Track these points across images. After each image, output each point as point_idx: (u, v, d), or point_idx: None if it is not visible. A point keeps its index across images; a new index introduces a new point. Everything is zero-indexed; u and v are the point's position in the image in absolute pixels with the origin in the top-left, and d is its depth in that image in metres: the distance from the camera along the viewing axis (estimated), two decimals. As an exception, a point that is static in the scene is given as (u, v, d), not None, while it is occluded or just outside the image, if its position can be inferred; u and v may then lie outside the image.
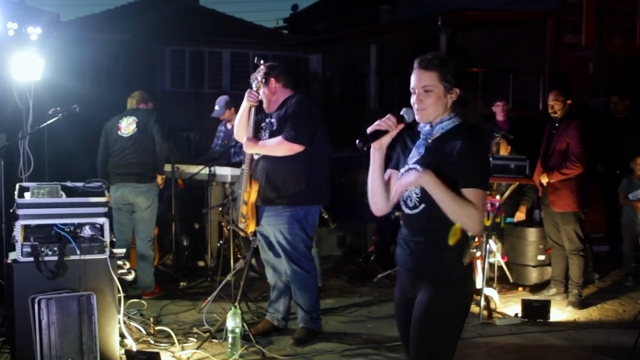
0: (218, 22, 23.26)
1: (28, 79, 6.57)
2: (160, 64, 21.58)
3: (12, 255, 4.79)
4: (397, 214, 8.30)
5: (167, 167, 7.17)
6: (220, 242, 7.42)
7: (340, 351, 5.30)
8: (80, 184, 5.13)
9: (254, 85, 5.31)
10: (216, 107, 7.91)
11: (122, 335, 5.08)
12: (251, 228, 5.42)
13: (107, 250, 4.87)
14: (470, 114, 2.99)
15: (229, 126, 7.99)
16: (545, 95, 19.54)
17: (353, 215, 8.96)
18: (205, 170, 7.11)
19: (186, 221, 8.20)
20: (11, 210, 4.88)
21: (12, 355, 4.81)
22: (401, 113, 2.97)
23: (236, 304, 5.24)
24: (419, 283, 3.01)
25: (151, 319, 5.69)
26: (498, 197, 6.68)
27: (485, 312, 6.14)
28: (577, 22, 21.03)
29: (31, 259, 4.68)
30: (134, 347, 5.09)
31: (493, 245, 6.76)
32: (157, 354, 4.87)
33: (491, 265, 6.83)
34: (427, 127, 3.02)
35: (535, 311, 6.10)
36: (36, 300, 4.54)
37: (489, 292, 6.33)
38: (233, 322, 5.09)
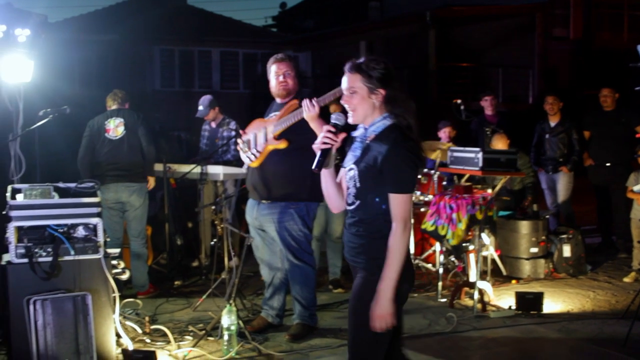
0: (207, 22, 23.27)
1: (17, 81, 6.55)
2: (150, 64, 21.56)
3: (6, 257, 4.78)
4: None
5: (159, 167, 7.17)
6: (214, 240, 7.43)
7: (335, 346, 5.31)
8: (72, 185, 5.12)
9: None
10: (200, 107, 7.94)
11: (118, 335, 5.07)
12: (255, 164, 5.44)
13: (101, 250, 4.87)
14: (402, 114, 3.15)
15: (213, 125, 8.02)
16: (534, 89, 19.66)
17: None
18: (197, 169, 7.11)
19: (179, 220, 8.20)
20: (3, 212, 4.87)
21: (8, 357, 4.81)
22: (333, 121, 3.18)
23: (231, 301, 5.25)
24: (359, 271, 3.23)
25: (147, 318, 5.69)
26: (490, 190, 6.71)
27: (479, 305, 6.17)
28: (565, 15, 21.12)
29: (25, 260, 4.67)
30: (130, 346, 5.09)
31: (486, 238, 6.80)
32: (154, 352, 4.88)
33: (484, 258, 6.87)
34: (362, 130, 3.22)
35: (529, 303, 6.14)
36: (31, 301, 4.53)
37: (483, 285, 6.36)
38: (228, 319, 5.10)
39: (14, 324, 4.62)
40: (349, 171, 3.20)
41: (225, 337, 5.11)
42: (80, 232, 4.86)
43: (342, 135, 3.16)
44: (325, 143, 3.14)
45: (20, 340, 4.57)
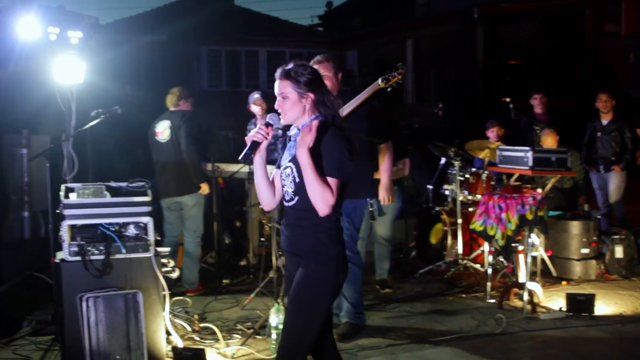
0: (253, 22, 23.38)
1: (70, 82, 6.69)
2: (198, 64, 21.77)
3: (60, 255, 4.88)
4: (437, 209, 8.31)
5: (207, 167, 7.23)
6: (262, 239, 7.47)
7: (384, 346, 5.30)
8: (124, 184, 5.19)
9: None
10: (255, 95, 7.86)
11: (167, 332, 5.14)
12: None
13: (152, 248, 4.94)
14: (331, 115, 3.37)
15: (258, 123, 8.02)
16: (585, 87, 19.30)
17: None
18: (245, 168, 7.16)
19: (227, 219, 8.26)
20: (57, 211, 4.96)
21: (62, 353, 4.91)
22: (267, 120, 3.44)
23: (279, 300, 5.27)
24: (298, 263, 3.39)
25: (195, 316, 5.76)
26: (540, 190, 6.61)
27: (528, 307, 6.09)
28: (616, 11, 20.71)
29: (78, 258, 4.76)
30: (179, 343, 5.15)
31: (536, 239, 6.70)
32: (203, 350, 4.92)
33: (534, 259, 6.77)
34: (295, 130, 3.43)
35: (580, 305, 6.03)
36: (84, 299, 4.62)
37: (532, 286, 6.28)
38: (276, 318, 5.12)
39: (68, 320, 4.72)
40: (285, 169, 3.42)
41: (273, 336, 5.13)
42: (132, 230, 4.94)
43: (270, 130, 3.40)
44: (256, 136, 3.38)
45: (74, 337, 4.67)
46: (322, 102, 3.36)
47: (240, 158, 3.42)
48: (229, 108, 19.00)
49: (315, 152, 3.25)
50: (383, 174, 5.75)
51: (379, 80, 5.42)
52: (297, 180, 3.34)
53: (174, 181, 6.83)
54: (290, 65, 3.40)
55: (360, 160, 5.38)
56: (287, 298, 3.55)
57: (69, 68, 6.55)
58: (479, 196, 7.16)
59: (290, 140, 3.49)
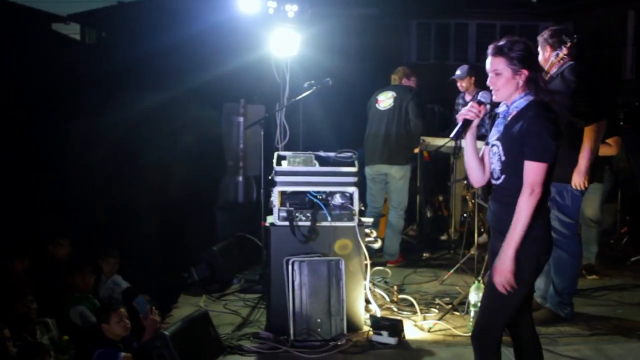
0: (464, -7, 22.95)
1: (285, 54, 6.97)
2: (407, 37, 21.78)
3: (270, 219, 5.14)
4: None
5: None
6: (464, 215, 7.39)
7: (586, 335, 5.06)
8: (332, 154, 5.35)
9: None
10: (458, 72, 7.85)
11: (367, 301, 5.26)
12: None
13: (356, 218, 5.06)
14: (542, 92, 3.31)
15: (467, 97, 7.90)
16: None
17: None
18: (451, 143, 7.08)
19: (430, 193, 8.26)
20: (269, 177, 5.22)
21: (267, 311, 5.20)
22: (479, 98, 3.41)
23: (479, 278, 5.21)
24: (501, 239, 3.32)
25: (395, 287, 5.84)
26: None
27: None
28: None
29: (286, 223, 4.99)
30: (378, 313, 5.26)
31: None
32: (400, 321, 4.98)
33: None
34: (504, 107, 3.39)
35: None
36: (290, 262, 4.85)
37: None
38: (476, 296, 5.06)
39: (274, 281, 4.98)
40: (492, 147, 3.41)
41: (472, 314, 5.08)
42: (337, 199, 5.09)
43: (483, 109, 3.39)
44: (468, 114, 3.38)
45: (279, 297, 4.93)
46: (535, 79, 3.31)
47: (451, 136, 3.43)
48: (437, 81, 18.85)
49: (519, 131, 3.23)
50: (581, 158, 5.37)
51: None
52: (504, 158, 3.32)
53: (388, 150, 6.89)
54: (503, 42, 3.35)
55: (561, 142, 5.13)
56: (488, 273, 3.54)
57: (285, 40, 6.83)
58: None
59: (498, 117, 3.44)
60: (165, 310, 5.61)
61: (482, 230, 7.29)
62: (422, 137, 7.34)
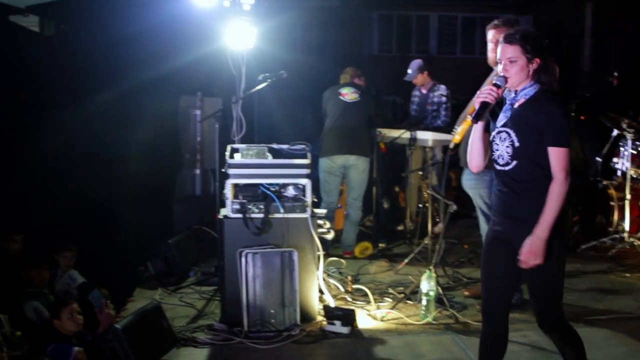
0: (426, -15, 23.05)
1: (241, 47, 6.97)
2: (368, 29, 21.83)
3: (223, 212, 5.18)
4: (605, 182, 7.92)
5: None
6: (420, 205, 7.49)
7: (535, 321, 5.13)
8: (285, 146, 5.40)
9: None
10: (409, 71, 7.95)
11: (321, 291, 5.32)
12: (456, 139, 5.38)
13: (309, 209, 5.12)
14: (550, 82, 3.42)
15: (423, 90, 8.01)
16: None
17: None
18: (407, 134, 7.18)
19: (387, 184, 8.35)
20: (222, 170, 5.25)
21: (221, 303, 5.23)
22: (494, 81, 3.44)
23: (431, 267, 5.30)
24: (511, 226, 3.44)
25: (349, 278, 5.91)
26: None
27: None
28: None
29: (240, 215, 5.03)
30: (331, 303, 5.32)
31: None
32: (353, 311, 5.06)
33: None
34: (512, 94, 3.46)
35: None
36: (243, 254, 4.89)
37: None
38: (428, 285, 5.16)
39: (228, 273, 5.03)
40: (500, 133, 3.44)
41: (424, 302, 5.18)
42: (290, 191, 5.15)
43: (500, 91, 3.42)
44: (487, 97, 3.40)
45: (233, 289, 4.97)
46: (544, 68, 3.42)
47: (471, 118, 3.45)
48: (398, 73, 18.98)
49: (534, 119, 3.32)
50: None
51: None
52: (517, 145, 3.37)
53: (356, 141, 6.95)
54: (516, 31, 3.45)
55: None
56: (481, 252, 3.66)
57: (241, 33, 6.83)
58: (651, 172, 6.76)
59: (505, 102, 3.51)
60: (121, 304, 5.61)
61: (437, 220, 7.40)
62: (378, 129, 7.43)
